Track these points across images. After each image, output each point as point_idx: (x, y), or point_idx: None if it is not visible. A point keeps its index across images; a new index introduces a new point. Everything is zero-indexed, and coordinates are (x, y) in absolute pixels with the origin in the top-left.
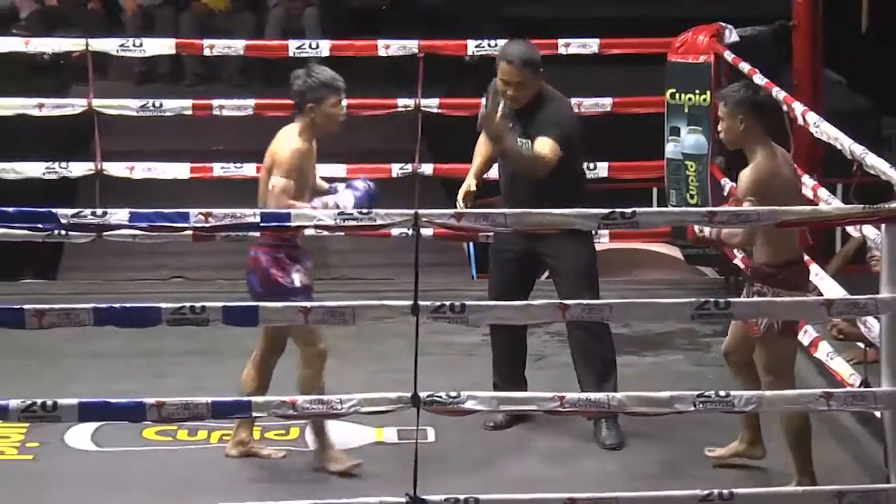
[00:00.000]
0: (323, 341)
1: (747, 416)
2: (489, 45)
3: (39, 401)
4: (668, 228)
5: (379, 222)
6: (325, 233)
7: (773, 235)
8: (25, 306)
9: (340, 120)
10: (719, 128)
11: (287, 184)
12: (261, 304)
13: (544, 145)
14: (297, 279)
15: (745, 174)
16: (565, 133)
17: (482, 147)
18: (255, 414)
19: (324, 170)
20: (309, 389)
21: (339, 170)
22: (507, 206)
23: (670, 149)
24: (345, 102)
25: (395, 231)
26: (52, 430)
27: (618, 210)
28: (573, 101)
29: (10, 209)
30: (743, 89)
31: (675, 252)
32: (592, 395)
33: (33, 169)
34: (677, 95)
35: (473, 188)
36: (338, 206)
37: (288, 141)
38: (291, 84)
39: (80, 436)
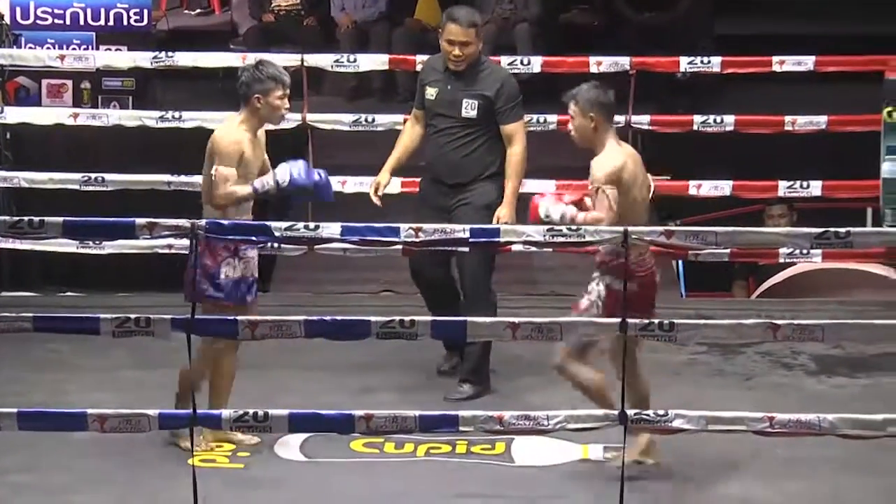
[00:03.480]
0: (222, 342)
1: None
2: (702, 62)
3: (251, 411)
4: (882, 249)
5: (588, 239)
6: (533, 248)
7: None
8: (239, 317)
9: (284, 113)
10: (569, 126)
11: (229, 171)
12: (468, 318)
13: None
14: (224, 272)
15: (599, 163)
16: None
17: (404, 138)
18: (461, 428)
19: (532, 185)
20: (186, 379)
21: (548, 185)
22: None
23: (886, 168)
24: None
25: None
26: (262, 440)
27: (832, 230)
28: (787, 118)
29: (225, 222)
30: (592, 89)
31: (890, 273)
32: (803, 417)
33: None
34: (895, 114)
35: (385, 183)
36: (277, 183)
37: (228, 131)
38: (239, 76)
39: (289, 447)
